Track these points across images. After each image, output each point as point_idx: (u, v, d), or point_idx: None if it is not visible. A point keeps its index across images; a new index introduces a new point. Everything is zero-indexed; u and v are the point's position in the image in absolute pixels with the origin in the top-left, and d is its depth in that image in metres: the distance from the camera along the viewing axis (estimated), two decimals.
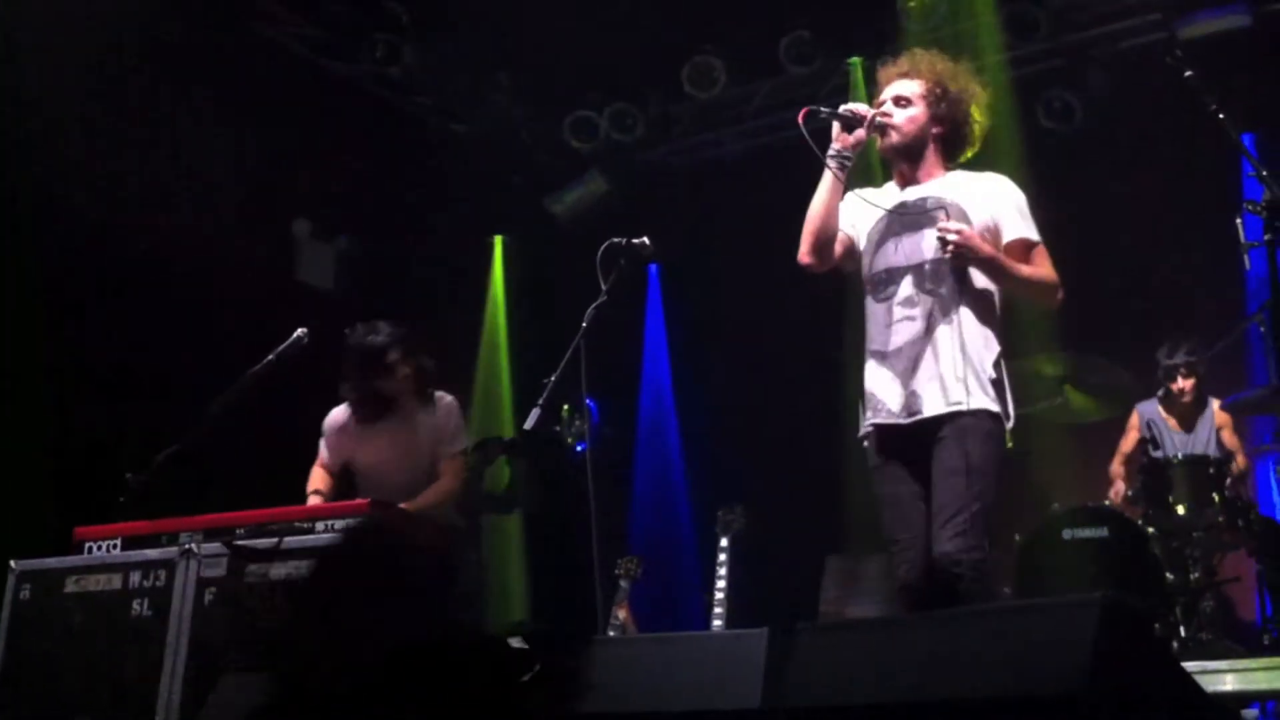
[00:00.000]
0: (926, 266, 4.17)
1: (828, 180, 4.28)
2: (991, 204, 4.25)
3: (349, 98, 8.62)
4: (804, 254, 4.35)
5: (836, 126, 4.28)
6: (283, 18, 8.16)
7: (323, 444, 5.90)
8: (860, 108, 4.30)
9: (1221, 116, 4.14)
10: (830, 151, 4.27)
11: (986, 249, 4.11)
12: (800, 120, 4.18)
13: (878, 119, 4.29)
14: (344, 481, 5.83)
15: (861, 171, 4.53)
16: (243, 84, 7.53)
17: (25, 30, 6.59)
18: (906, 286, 4.19)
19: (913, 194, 4.32)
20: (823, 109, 4.29)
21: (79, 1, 6.72)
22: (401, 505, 5.31)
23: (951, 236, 4.06)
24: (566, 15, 7.94)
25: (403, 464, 5.66)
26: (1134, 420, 7.56)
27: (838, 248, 4.36)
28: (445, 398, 5.86)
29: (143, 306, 7.11)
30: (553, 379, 4.49)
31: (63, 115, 6.79)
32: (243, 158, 7.55)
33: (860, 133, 4.26)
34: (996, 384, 4.12)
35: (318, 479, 5.80)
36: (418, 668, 1.73)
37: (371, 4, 8.29)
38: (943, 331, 4.11)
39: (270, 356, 5.40)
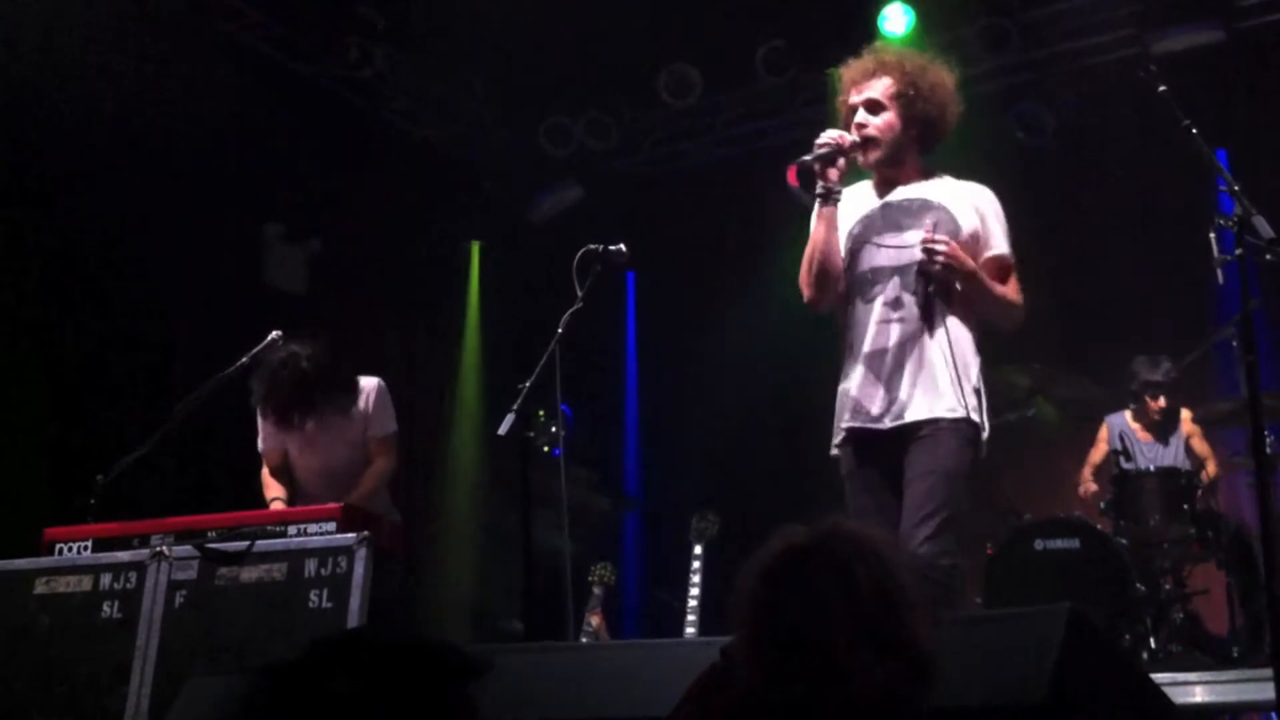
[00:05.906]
0: (914, 268, 4.08)
1: (825, 218, 4.19)
2: (979, 213, 4.20)
3: (322, 101, 8.55)
4: (809, 294, 4.26)
5: (820, 165, 4.19)
6: (254, 19, 8.11)
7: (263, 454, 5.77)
8: (836, 135, 4.19)
9: (1194, 131, 4.14)
10: (819, 190, 4.18)
11: (970, 264, 4.06)
12: (793, 178, 4.09)
13: (857, 139, 4.19)
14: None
15: None
16: (213, 85, 7.47)
17: (20, 30, 6.60)
18: (893, 288, 4.10)
19: (898, 195, 4.24)
20: (807, 158, 4.15)
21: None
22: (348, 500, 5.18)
23: (940, 248, 4.01)
24: (542, 22, 7.93)
25: (334, 461, 5.57)
26: (1103, 433, 7.60)
27: (842, 282, 4.24)
28: (369, 381, 5.66)
29: (107, 309, 7.07)
30: (528, 384, 4.49)
31: (55, 112, 6.79)
32: (213, 159, 7.49)
33: (843, 162, 4.18)
34: (979, 393, 4.08)
35: (275, 488, 5.69)
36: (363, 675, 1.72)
37: (345, 8, 8.25)
38: (932, 335, 4.05)
39: (243, 359, 5.35)
